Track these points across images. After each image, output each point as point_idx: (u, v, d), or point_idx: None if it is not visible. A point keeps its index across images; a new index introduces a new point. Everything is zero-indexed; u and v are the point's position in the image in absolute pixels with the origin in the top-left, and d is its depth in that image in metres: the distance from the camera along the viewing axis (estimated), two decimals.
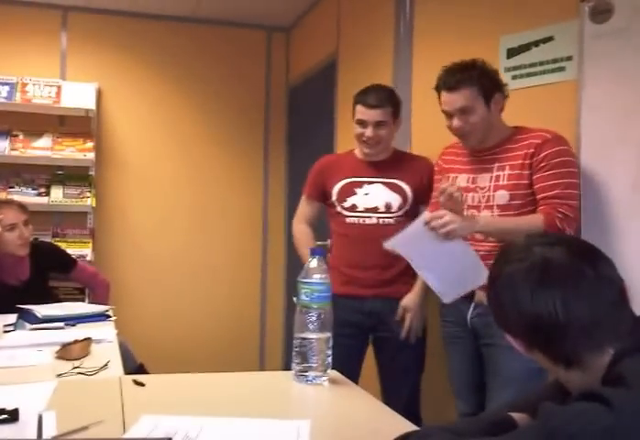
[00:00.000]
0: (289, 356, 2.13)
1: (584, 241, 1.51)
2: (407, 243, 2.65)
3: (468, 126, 2.73)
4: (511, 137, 2.74)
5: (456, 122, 2.75)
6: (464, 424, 1.57)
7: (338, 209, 3.27)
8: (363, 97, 3.18)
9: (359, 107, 3.18)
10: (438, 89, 2.80)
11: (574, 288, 1.34)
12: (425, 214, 2.60)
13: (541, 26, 2.97)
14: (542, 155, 2.60)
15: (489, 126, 2.74)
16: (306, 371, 2.06)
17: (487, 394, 2.75)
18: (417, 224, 2.61)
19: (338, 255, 3.21)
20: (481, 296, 2.69)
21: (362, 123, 3.17)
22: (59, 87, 5.19)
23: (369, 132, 3.15)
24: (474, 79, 2.68)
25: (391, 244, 2.67)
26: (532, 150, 2.63)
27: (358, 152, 3.34)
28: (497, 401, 2.64)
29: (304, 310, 2.07)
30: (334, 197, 3.28)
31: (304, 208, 3.50)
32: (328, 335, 2.08)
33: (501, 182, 2.70)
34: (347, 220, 3.24)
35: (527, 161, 2.63)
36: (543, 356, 1.41)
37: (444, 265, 2.61)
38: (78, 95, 5.21)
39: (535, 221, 2.53)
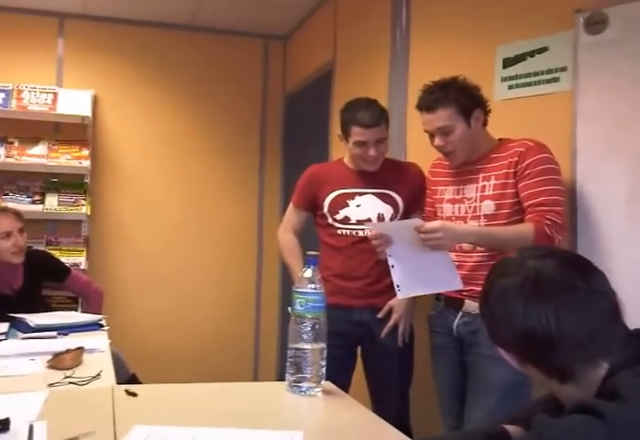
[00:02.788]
0: (283, 366, 2.12)
1: (576, 254, 1.52)
2: (391, 231, 2.71)
3: (449, 145, 2.76)
4: (495, 149, 2.76)
5: (437, 141, 2.78)
6: (459, 437, 1.56)
7: (330, 221, 3.25)
8: (357, 117, 3.10)
9: (357, 129, 3.10)
10: (418, 109, 2.82)
11: (566, 301, 1.35)
12: (417, 222, 2.63)
13: (536, 36, 2.98)
14: (525, 163, 2.61)
15: (471, 142, 2.76)
16: (300, 382, 2.05)
17: (467, 401, 2.75)
18: (409, 223, 2.69)
19: (328, 266, 3.17)
20: (470, 305, 2.71)
21: (363, 143, 3.11)
22: (55, 94, 5.18)
23: (372, 151, 3.11)
24: (451, 98, 2.70)
25: (375, 225, 2.80)
26: (515, 159, 2.64)
27: (348, 162, 3.32)
28: (477, 408, 2.65)
29: (299, 320, 2.06)
30: (325, 209, 3.26)
31: (292, 217, 3.47)
32: (322, 345, 2.07)
33: (486, 192, 2.72)
34: (339, 231, 3.23)
35: (511, 170, 2.65)
36: (536, 370, 1.41)
37: (416, 261, 2.64)
38: (74, 102, 5.20)
39: (524, 229, 2.53)
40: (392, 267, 2.72)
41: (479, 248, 2.72)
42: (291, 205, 3.47)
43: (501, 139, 2.82)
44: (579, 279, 1.36)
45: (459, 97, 2.70)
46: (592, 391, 1.32)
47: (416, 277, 2.69)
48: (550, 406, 1.46)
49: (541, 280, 1.37)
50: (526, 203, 2.60)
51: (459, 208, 2.82)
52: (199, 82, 5.86)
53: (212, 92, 5.88)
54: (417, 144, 3.32)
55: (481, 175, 2.75)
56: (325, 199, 3.26)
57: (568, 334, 1.32)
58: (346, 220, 3.21)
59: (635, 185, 2.56)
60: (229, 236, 5.96)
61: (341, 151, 3.32)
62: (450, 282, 2.64)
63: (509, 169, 2.65)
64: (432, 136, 2.80)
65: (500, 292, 1.42)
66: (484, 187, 2.73)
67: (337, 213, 3.23)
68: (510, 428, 1.51)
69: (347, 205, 3.22)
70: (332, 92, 4.83)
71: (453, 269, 2.64)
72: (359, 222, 3.18)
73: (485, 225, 2.71)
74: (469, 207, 2.77)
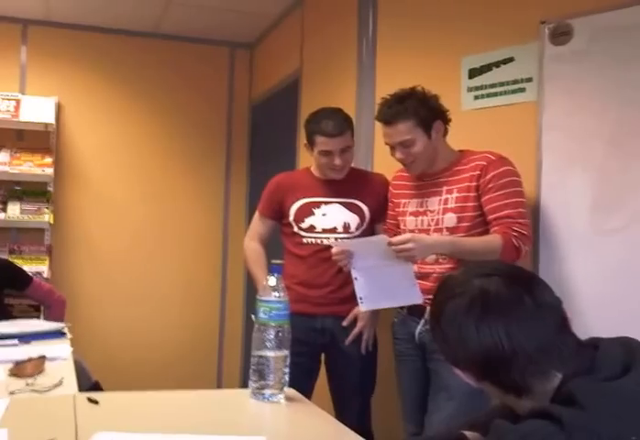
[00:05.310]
0: (247, 373, 2.12)
1: (521, 268, 1.54)
2: (354, 247, 2.74)
3: (410, 157, 2.78)
4: (458, 161, 2.78)
5: (398, 154, 2.80)
6: None
7: (295, 229, 3.24)
8: (321, 127, 3.10)
9: (321, 138, 3.10)
10: (378, 121, 2.84)
11: (516, 318, 1.36)
12: (382, 238, 2.65)
13: (502, 47, 3.01)
14: (488, 176, 2.63)
15: (432, 153, 2.78)
16: (263, 389, 2.05)
17: (428, 407, 2.76)
18: (373, 240, 2.73)
19: (291, 274, 3.15)
20: None
21: (328, 153, 3.12)
22: (17, 101, 5.13)
23: (337, 161, 3.11)
24: (410, 111, 2.71)
25: (339, 244, 2.83)
26: (477, 172, 2.66)
27: (314, 170, 3.32)
28: (437, 414, 2.67)
29: (262, 328, 2.06)
30: (291, 217, 3.26)
31: (258, 226, 3.45)
32: (286, 353, 2.07)
33: (449, 205, 2.74)
34: (305, 240, 3.23)
35: (473, 183, 2.67)
36: (493, 386, 1.43)
37: (379, 275, 2.67)
38: (37, 110, 5.15)
39: (492, 240, 2.55)
40: (356, 279, 2.74)
41: (441, 260, 2.74)
42: (257, 214, 3.46)
43: (462, 151, 2.83)
44: (526, 294, 1.39)
45: (418, 110, 2.71)
46: (547, 400, 1.34)
47: (378, 290, 2.72)
48: (509, 412, 1.47)
49: (489, 299, 1.39)
50: (491, 216, 2.62)
51: (422, 221, 2.83)
52: (165, 90, 5.83)
53: (177, 99, 5.86)
54: (384, 154, 3.31)
55: (444, 188, 2.77)
56: (291, 207, 3.26)
57: (520, 349, 1.34)
58: (311, 229, 3.21)
59: (598, 194, 2.60)
60: (194, 244, 5.94)
61: (308, 160, 3.33)
62: (411, 296, 2.67)
63: (470, 182, 2.68)
64: (392, 148, 2.81)
65: (450, 315, 1.43)
66: (447, 200, 2.75)
67: (303, 221, 3.23)
68: (469, 434, 1.53)
69: (313, 214, 3.22)
70: (299, 100, 4.84)
71: (414, 283, 2.65)
72: (325, 231, 3.19)
73: None
74: (432, 220, 2.79)
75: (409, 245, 2.50)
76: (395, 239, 2.56)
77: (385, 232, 3.06)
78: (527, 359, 1.34)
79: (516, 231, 2.54)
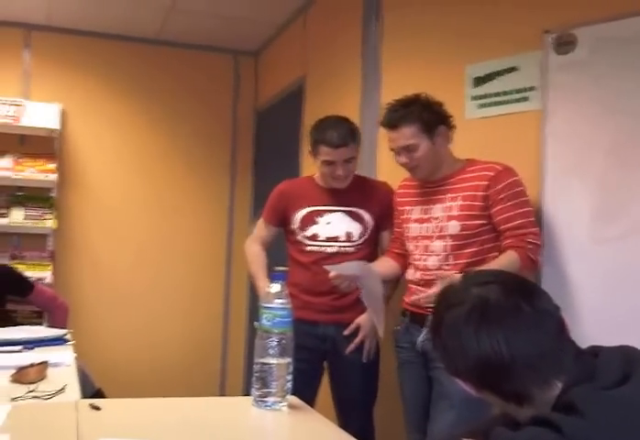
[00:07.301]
0: (250, 381, 2.11)
1: (517, 276, 1.55)
2: (346, 270, 2.86)
3: (414, 162, 2.80)
4: (463, 169, 2.79)
5: (401, 159, 2.82)
6: None
7: (299, 237, 3.26)
8: (325, 137, 3.10)
9: (325, 148, 3.11)
10: (383, 126, 2.86)
11: (514, 325, 1.37)
12: (361, 264, 2.90)
13: (505, 56, 3.02)
14: (499, 187, 2.65)
15: (435, 158, 2.80)
16: (266, 397, 2.04)
17: (430, 415, 2.77)
18: (356, 264, 2.90)
19: (295, 281, 3.16)
20: None
21: (331, 163, 3.13)
22: (20, 107, 5.13)
23: (340, 171, 3.13)
24: (414, 116, 2.73)
25: (334, 268, 2.87)
26: (485, 183, 2.67)
27: (318, 179, 3.33)
28: (439, 422, 2.67)
29: (265, 335, 2.05)
30: (295, 225, 3.27)
31: (261, 230, 3.48)
32: (288, 360, 2.06)
33: (453, 213, 2.75)
34: (308, 248, 3.24)
35: (480, 193, 2.68)
36: (494, 395, 1.43)
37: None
38: (41, 115, 5.16)
39: (511, 263, 2.54)
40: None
41: (444, 266, 2.74)
42: (261, 220, 3.48)
43: (467, 160, 2.84)
44: (524, 301, 1.39)
45: (422, 114, 2.73)
46: (548, 409, 1.34)
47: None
48: (510, 419, 1.47)
49: (487, 307, 1.40)
50: (503, 227, 2.64)
51: (426, 228, 2.84)
52: (169, 97, 5.84)
53: (182, 107, 5.87)
54: (388, 162, 3.32)
55: (449, 195, 2.78)
56: (296, 215, 3.27)
57: (520, 357, 1.35)
58: (314, 237, 3.23)
59: (600, 203, 2.61)
60: (198, 251, 5.94)
61: (312, 167, 3.33)
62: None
63: (477, 191, 2.69)
64: (397, 153, 2.83)
65: (450, 325, 1.44)
66: (450, 207, 2.76)
67: (307, 229, 3.24)
68: None
69: (317, 222, 3.23)
70: (303, 108, 4.85)
71: (381, 320, 2.88)
72: (329, 239, 3.20)
73: (451, 245, 2.74)
74: (436, 227, 2.80)
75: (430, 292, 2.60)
76: (426, 295, 2.64)
77: (392, 240, 3.12)
78: (527, 367, 1.35)
79: (530, 242, 2.57)
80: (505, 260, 2.58)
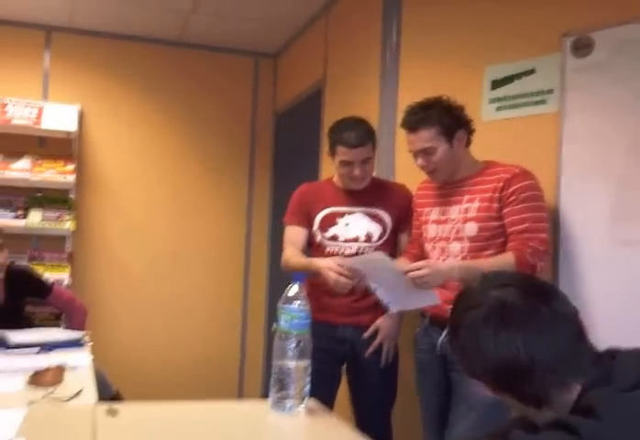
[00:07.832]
0: (268, 383, 2.10)
1: (536, 278, 1.56)
2: (360, 264, 2.81)
3: (432, 165, 2.79)
4: (481, 171, 2.78)
5: (420, 161, 2.81)
6: None
7: (319, 238, 3.24)
8: (343, 137, 3.10)
9: (342, 148, 3.10)
10: (403, 128, 2.85)
11: (533, 328, 1.38)
12: (380, 255, 2.78)
13: (524, 59, 3.01)
14: (511, 189, 2.63)
15: (454, 161, 2.79)
16: (284, 399, 2.03)
17: (449, 418, 2.75)
18: (374, 256, 2.86)
19: (315, 283, 3.14)
20: None
21: (348, 163, 3.12)
22: (40, 108, 5.14)
23: (357, 171, 3.11)
24: (434, 119, 2.72)
25: (348, 261, 2.85)
26: (501, 184, 2.66)
27: (337, 181, 3.31)
28: (459, 426, 2.66)
29: (283, 336, 2.04)
30: (315, 226, 3.26)
31: (291, 234, 3.35)
32: (307, 362, 2.05)
33: (469, 214, 2.74)
34: (328, 249, 3.22)
35: (496, 194, 2.66)
36: (513, 398, 1.43)
37: (394, 284, 2.71)
38: (60, 117, 5.16)
39: (505, 260, 2.55)
40: (375, 289, 2.81)
41: None
42: (287, 226, 3.38)
43: (486, 161, 2.83)
44: (542, 304, 1.40)
45: (442, 118, 2.72)
46: (567, 412, 1.35)
47: (399, 297, 2.77)
48: (528, 422, 1.47)
49: (506, 310, 1.40)
50: (510, 229, 2.63)
51: (443, 229, 2.83)
52: (188, 99, 5.85)
53: (201, 108, 5.87)
54: (406, 163, 3.32)
55: (466, 197, 2.77)
56: (316, 217, 3.26)
57: (538, 359, 1.35)
58: (334, 238, 3.21)
59: (618, 205, 2.59)
60: (216, 253, 5.94)
61: (331, 169, 3.31)
62: (430, 299, 2.68)
63: (494, 193, 2.67)
64: (415, 155, 2.83)
65: (468, 327, 1.44)
66: (467, 209, 2.75)
67: (327, 231, 3.23)
68: None
69: (336, 224, 3.22)
70: (322, 109, 4.84)
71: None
72: (348, 240, 3.19)
73: (469, 246, 2.73)
74: (453, 228, 2.79)
75: (424, 271, 2.54)
76: (409, 267, 2.60)
77: (411, 242, 3.11)
78: (546, 370, 1.35)
79: (531, 247, 2.54)
80: (501, 260, 2.57)
